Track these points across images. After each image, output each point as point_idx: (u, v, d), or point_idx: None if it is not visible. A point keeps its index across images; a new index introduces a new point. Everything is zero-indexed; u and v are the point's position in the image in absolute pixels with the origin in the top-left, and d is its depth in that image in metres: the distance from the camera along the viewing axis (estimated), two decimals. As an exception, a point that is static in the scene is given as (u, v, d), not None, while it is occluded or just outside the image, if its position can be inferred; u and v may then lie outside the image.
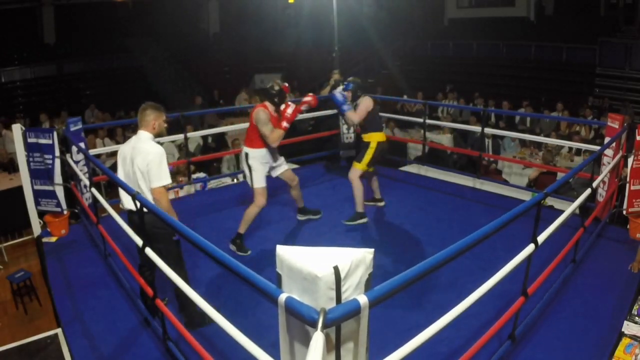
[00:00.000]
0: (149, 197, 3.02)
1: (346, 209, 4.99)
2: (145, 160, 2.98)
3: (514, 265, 2.48)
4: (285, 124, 4.15)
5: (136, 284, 3.29)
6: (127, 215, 3.18)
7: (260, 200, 4.24)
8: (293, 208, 4.94)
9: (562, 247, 3.40)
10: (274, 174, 4.50)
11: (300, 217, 4.93)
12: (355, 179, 4.63)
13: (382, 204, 5.16)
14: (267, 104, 4.25)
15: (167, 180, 3.04)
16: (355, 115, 4.60)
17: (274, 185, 5.70)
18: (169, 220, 2.41)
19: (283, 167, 4.53)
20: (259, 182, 4.25)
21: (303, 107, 4.42)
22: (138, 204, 2.75)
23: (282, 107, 4.27)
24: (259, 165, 4.26)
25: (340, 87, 4.74)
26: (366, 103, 4.61)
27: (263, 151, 4.26)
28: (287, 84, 4.38)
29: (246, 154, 4.27)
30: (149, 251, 2.73)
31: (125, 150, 3.16)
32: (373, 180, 5.08)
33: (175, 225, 2.32)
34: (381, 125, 4.84)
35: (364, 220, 4.74)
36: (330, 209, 5.06)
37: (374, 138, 4.64)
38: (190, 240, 2.16)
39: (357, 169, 4.64)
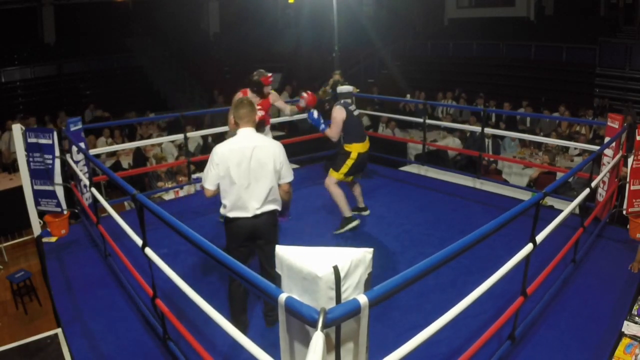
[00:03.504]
0: (277, 192, 3.05)
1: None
2: (279, 157, 3.00)
3: (513, 265, 2.48)
4: (259, 112, 4.31)
5: (136, 283, 3.28)
6: (236, 222, 2.98)
7: None
8: (292, 208, 4.94)
9: (562, 247, 3.40)
10: None
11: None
12: (331, 186, 4.50)
13: (366, 213, 4.91)
14: (247, 90, 4.48)
15: (292, 172, 3.14)
16: (332, 131, 4.44)
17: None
18: (167, 218, 2.41)
19: None
20: None
21: (301, 104, 4.69)
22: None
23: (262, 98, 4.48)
24: None
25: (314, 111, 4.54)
26: (337, 114, 4.41)
27: None
28: (269, 75, 4.49)
29: None
30: (148, 251, 2.73)
31: (241, 151, 2.91)
32: (355, 187, 4.84)
33: (175, 225, 2.32)
34: (362, 135, 4.54)
35: (354, 224, 4.55)
36: (330, 209, 5.05)
37: (354, 148, 4.45)
38: (191, 240, 2.16)
39: (333, 177, 4.49)
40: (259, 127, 4.47)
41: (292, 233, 4.63)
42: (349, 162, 4.43)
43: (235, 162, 2.89)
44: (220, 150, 2.95)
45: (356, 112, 4.53)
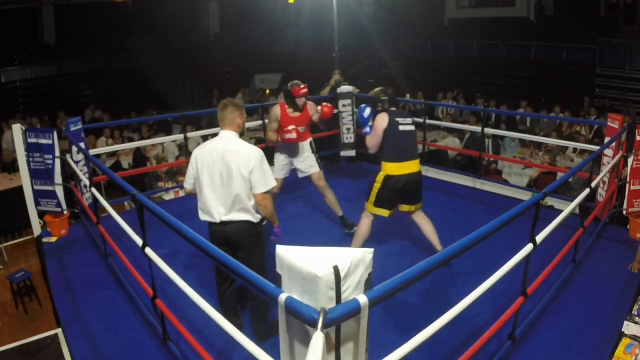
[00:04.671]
0: (249, 202, 2.86)
1: (345, 209, 4.98)
2: (248, 164, 2.78)
3: (513, 264, 2.49)
4: (291, 134, 4.15)
5: (136, 283, 3.28)
6: (210, 227, 2.96)
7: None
8: (292, 208, 4.93)
9: (562, 247, 3.40)
10: (300, 174, 4.54)
11: (347, 230, 4.53)
12: (361, 219, 3.81)
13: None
14: (284, 103, 4.38)
15: (273, 182, 2.88)
16: (370, 140, 3.72)
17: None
18: (167, 218, 2.41)
19: (311, 170, 4.48)
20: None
21: (314, 118, 4.49)
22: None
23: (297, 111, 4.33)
24: (276, 156, 4.46)
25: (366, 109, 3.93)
26: (378, 122, 3.65)
27: (279, 145, 4.39)
28: (302, 86, 4.24)
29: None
30: (148, 251, 2.73)
31: (210, 153, 2.85)
32: (422, 225, 3.91)
33: (175, 225, 2.32)
34: (404, 154, 3.62)
35: None
36: (330, 209, 5.04)
37: (383, 169, 3.62)
38: (191, 240, 2.16)
39: (366, 209, 3.77)
40: (291, 148, 4.35)
41: (292, 233, 4.62)
42: (376, 186, 3.62)
43: (204, 164, 2.85)
44: (195, 151, 2.96)
45: (405, 127, 3.65)
